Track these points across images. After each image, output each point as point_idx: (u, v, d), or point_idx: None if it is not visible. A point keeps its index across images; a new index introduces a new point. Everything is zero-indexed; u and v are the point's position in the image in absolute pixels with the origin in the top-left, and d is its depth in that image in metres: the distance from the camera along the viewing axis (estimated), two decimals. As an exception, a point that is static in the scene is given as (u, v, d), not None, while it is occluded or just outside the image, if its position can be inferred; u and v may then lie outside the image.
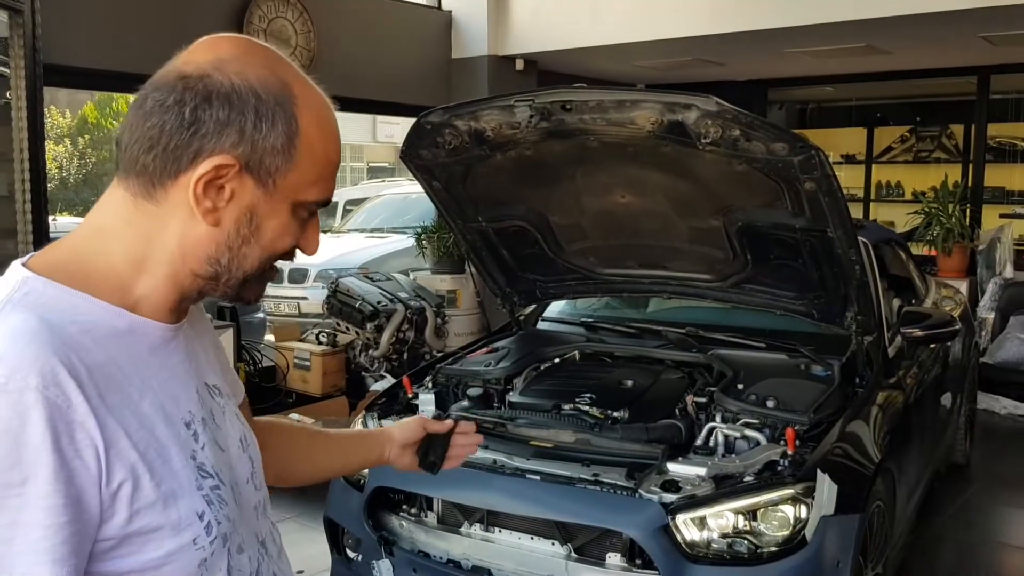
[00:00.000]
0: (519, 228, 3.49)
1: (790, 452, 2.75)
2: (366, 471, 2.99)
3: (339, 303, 5.99)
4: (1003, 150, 8.35)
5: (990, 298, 7.13)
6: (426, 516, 3.03)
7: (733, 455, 2.86)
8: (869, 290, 3.25)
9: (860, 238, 3.18)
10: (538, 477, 2.81)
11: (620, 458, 2.84)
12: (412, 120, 3.05)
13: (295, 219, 1.03)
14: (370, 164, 29.26)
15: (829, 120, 10.53)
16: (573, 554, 2.75)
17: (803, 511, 2.59)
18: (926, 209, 7.65)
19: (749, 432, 2.91)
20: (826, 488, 2.63)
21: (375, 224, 10.46)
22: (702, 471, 2.71)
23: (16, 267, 0.96)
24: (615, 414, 3.01)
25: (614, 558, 2.68)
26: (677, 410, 3.14)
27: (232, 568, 1.02)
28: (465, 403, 3.36)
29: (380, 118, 21.78)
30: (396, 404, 3.45)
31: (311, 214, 1.05)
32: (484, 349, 3.80)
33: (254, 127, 0.95)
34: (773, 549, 2.57)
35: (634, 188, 3.13)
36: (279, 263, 1.08)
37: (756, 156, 2.69)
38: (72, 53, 4.78)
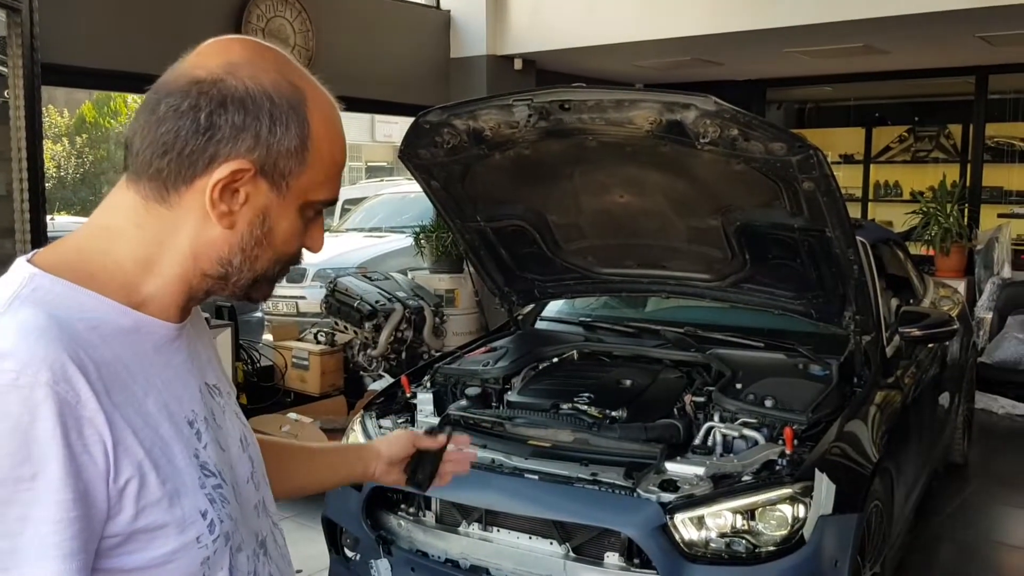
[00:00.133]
0: (517, 227, 3.49)
1: (788, 452, 2.75)
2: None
3: (337, 302, 5.98)
4: (1001, 150, 8.35)
5: (988, 298, 7.14)
6: (424, 515, 3.02)
7: (731, 455, 2.86)
8: (867, 290, 3.25)
9: (858, 238, 3.19)
10: (536, 476, 2.81)
11: (618, 457, 2.84)
12: (410, 119, 3.05)
13: (302, 219, 1.04)
14: (368, 163, 29.19)
15: (827, 120, 10.52)
16: (571, 553, 2.75)
17: (801, 510, 2.59)
18: (924, 209, 7.65)
19: (747, 432, 2.91)
20: (824, 488, 2.64)
21: (373, 223, 10.45)
22: (700, 471, 2.71)
23: (21, 263, 0.96)
24: (613, 413, 3.01)
25: (612, 557, 2.68)
26: (675, 409, 3.14)
27: (234, 567, 1.03)
28: (463, 403, 3.36)
29: (378, 117, 21.73)
30: (394, 403, 3.45)
31: (317, 213, 1.06)
32: (482, 348, 3.80)
33: (269, 131, 0.96)
34: (771, 548, 2.57)
35: (633, 188, 3.13)
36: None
37: (754, 156, 2.69)
38: (70, 52, 4.77)
